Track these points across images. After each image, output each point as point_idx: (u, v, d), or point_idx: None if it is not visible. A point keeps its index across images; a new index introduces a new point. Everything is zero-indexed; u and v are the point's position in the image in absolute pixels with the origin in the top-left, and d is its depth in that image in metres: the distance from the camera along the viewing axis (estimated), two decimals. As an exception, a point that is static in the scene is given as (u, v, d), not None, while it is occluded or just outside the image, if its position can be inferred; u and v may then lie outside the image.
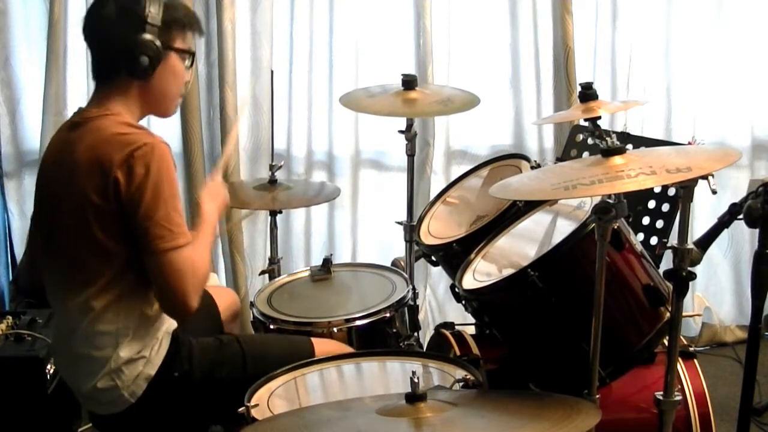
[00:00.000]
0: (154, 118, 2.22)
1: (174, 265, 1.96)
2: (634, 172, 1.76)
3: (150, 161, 1.94)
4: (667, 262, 1.96)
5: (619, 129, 2.95)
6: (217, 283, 3.27)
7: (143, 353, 2.06)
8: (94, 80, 2.12)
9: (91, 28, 2.09)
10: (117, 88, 2.07)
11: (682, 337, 2.10)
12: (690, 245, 1.90)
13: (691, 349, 2.34)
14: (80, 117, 2.07)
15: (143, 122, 2.15)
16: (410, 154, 3.02)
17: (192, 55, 2.15)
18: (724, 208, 2.02)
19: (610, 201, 1.89)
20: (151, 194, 1.94)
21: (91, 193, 1.96)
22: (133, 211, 1.95)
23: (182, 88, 2.16)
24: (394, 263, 2.97)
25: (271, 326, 2.50)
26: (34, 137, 3.50)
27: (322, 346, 2.27)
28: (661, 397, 2.00)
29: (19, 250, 3.52)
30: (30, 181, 3.48)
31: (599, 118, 2.44)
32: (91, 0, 2.14)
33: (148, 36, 2.01)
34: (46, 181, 2.13)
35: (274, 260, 3.06)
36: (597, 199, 2.01)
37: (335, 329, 2.47)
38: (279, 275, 2.96)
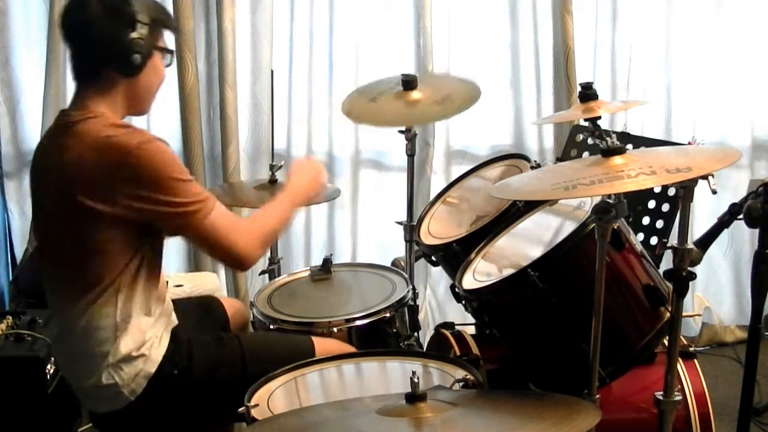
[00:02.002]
0: (154, 117, 2.23)
1: (207, 230, 2.01)
2: (634, 172, 1.76)
3: (145, 163, 1.95)
4: (667, 262, 1.96)
5: (619, 129, 2.96)
6: (218, 284, 3.27)
7: (143, 351, 2.06)
8: (75, 80, 2.11)
9: (76, 27, 2.07)
10: (101, 87, 2.06)
11: (682, 337, 2.10)
12: (690, 245, 1.90)
13: (691, 349, 2.34)
14: (63, 120, 2.06)
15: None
16: (410, 154, 3.02)
17: (171, 53, 2.17)
18: (724, 208, 2.02)
19: (610, 201, 1.89)
20: (161, 187, 1.95)
21: (84, 198, 1.96)
22: (151, 208, 1.96)
23: (159, 86, 2.18)
24: (394, 263, 2.97)
25: (271, 326, 2.50)
26: (34, 137, 3.49)
27: (323, 345, 2.27)
28: (661, 397, 1.99)
29: (19, 250, 3.52)
30: (30, 181, 3.48)
31: (599, 118, 2.44)
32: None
33: (138, 34, 2.04)
34: (36, 188, 2.14)
35: (274, 260, 3.05)
36: (597, 199, 2.01)
37: (335, 329, 2.46)
38: (279, 275, 2.96)
